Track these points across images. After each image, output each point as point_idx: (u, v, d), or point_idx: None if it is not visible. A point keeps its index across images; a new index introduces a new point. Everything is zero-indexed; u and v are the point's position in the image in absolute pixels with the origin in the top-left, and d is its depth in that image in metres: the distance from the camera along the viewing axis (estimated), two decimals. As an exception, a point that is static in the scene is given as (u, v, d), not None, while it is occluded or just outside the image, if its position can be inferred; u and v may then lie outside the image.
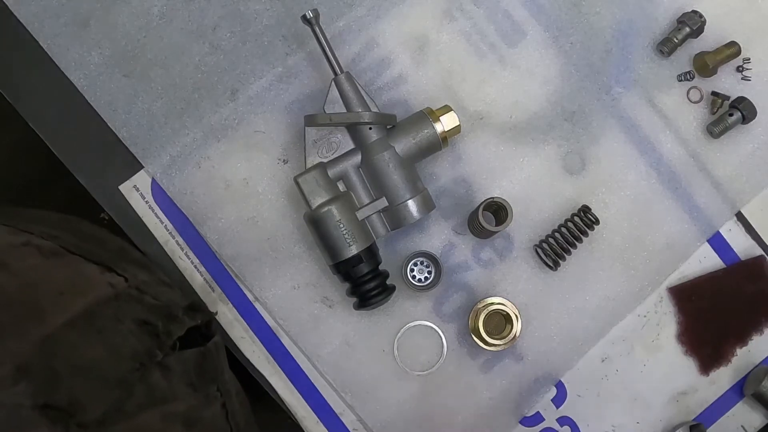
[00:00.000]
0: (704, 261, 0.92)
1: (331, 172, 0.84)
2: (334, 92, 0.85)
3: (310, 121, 0.85)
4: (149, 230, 0.90)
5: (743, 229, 0.93)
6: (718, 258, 0.93)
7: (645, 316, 0.92)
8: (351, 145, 0.85)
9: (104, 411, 0.63)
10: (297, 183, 0.83)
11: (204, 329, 0.80)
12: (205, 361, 0.76)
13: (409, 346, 0.90)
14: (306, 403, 0.90)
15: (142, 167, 0.90)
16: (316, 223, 0.83)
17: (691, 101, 0.93)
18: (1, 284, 0.66)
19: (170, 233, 0.90)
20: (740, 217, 0.93)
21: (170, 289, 0.80)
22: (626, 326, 0.92)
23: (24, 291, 0.67)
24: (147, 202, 0.90)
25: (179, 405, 0.71)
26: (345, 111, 0.84)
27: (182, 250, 0.90)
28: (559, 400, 0.91)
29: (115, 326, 0.69)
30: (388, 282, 0.86)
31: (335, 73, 0.85)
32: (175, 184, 0.90)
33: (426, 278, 0.90)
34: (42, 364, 0.62)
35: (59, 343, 0.64)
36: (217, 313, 0.89)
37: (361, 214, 0.84)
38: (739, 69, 0.93)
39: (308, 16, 0.83)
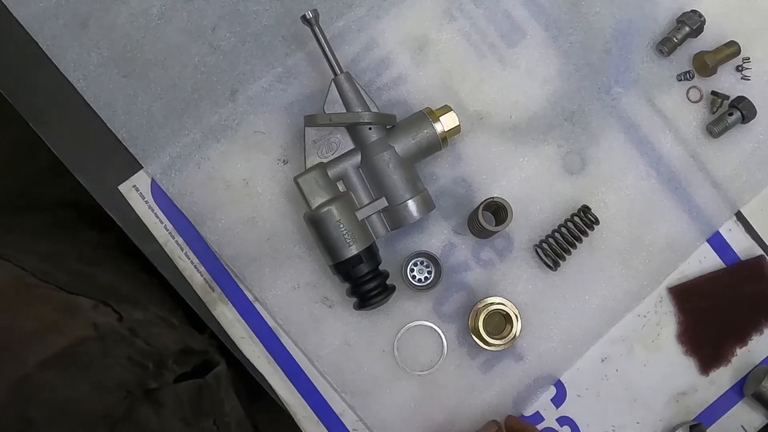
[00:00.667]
0: (704, 261, 0.92)
1: (331, 173, 0.84)
2: (334, 92, 0.85)
3: (310, 121, 0.85)
4: (149, 230, 0.90)
5: (743, 229, 0.93)
6: (718, 258, 0.93)
7: (645, 316, 0.92)
8: (351, 146, 0.85)
9: None
10: (297, 183, 0.83)
11: (204, 362, 0.78)
12: (201, 395, 0.75)
13: (409, 346, 0.90)
14: (306, 403, 0.90)
15: (142, 167, 0.90)
16: (316, 223, 0.83)
17: (690, 101, 0.93)
18: None
19: (170, 233, 0.90)
20: (740, 216, 0.93)
21: (164, 329, 0.77)
22: (626, 326, 0.92)
23: (1, 330, 0.64)
24: (146, 202, 0.90)
25: None
26: (345, 111, 0.84)
27: (182, 250, 0.90)
28: (558, 400, 0.91)
29: (101, 361, 0.66)
30: (388, 282, 0.86)
31: (335, 74, 0.84)
32: (175, 185, 0.90)
33: (426, 278, 0.90)
34: (16, 410, 0.59)
35: (35, 385, 0.61)
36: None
37: (361, 214, 0.84)
38: (739, 68, 0.93)
39: (308, 17, 0.83)
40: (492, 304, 0.88)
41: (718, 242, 0.93)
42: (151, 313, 0.77)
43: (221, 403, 0.76)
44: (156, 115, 0.91)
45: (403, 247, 0.91)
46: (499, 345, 0.88)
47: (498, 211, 0.88)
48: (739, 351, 0.92)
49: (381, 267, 0.85)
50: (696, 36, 0.92)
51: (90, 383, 0.65)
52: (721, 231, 0.93)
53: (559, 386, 0.91)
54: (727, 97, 0.92)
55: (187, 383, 0.73)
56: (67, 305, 0.72)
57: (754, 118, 0.91)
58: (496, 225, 0.88)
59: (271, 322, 0.90)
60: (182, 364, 0.75)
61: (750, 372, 0.92)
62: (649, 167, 0.92)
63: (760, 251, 0.93)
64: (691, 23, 0.90)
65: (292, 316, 0.90)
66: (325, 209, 0.82)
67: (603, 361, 0.91)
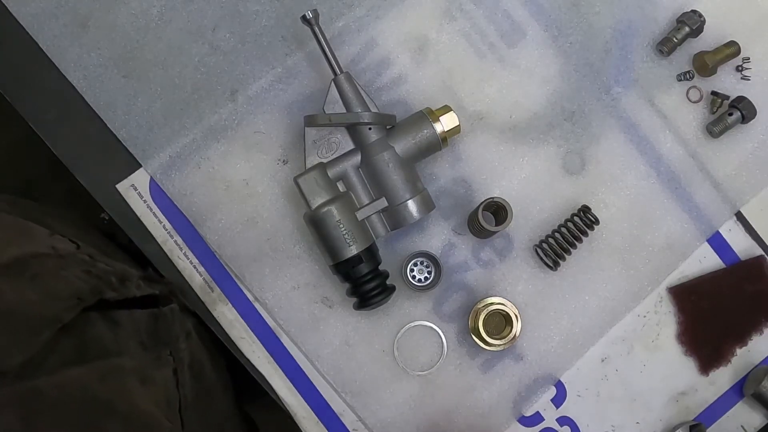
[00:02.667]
0: (704, 261, 0.92)
1: (330, 173, 0.84)
2: (334, 92, 0.85)
3: (310, 121, 0.85)
4: (148, 230, 0.90)
5: (743, 228, 0.93)
6: (718, 258, 0.93)
7: (645, 316, 0.92)
8: (351, 146, 0.85)
9: (22, 362, 0.61)
10: (297, 183, 0.83)
11: (165, 300, 0.79)
12: (157, 323, 0.75)
13: (409, 346, 0.90)
14: (306, 403, 0.90)
15: (141, 167, 0.90)
16: (316, 224, 0.83)
17: (690, 101, 0.93)
18: None
19: (168, 233, 0.90)
20: (740, 216, 0.93)
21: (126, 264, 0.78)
22: (626, 326, 0.92)
23: None
24: (145, 201, 0.90)
25: (127, 360, 0.69)
26: (345, 111, 0.84)
27: (181, 250, 0.90)
28: (558, 400, 0.91)
29: (54, 273, 0.67)
30: (388, 282, 0.86)
31: (335, 74, 0.84)
32: (175, 185, 0.90)
33: (426, 278, 0.90)
34: None
35: None
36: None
37: (360, 215, 0.84)
38: (739, 68, 0.93)
39: (308, 17, 0.83)
40: (492, 304, 0.88)
41: (718, 242, 0.93)
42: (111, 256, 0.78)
43: (177, 339, 0.77)
44: (156, 115, 0.91)
45: (403, 247, 0.91)
46: (499, 345, 0.88)
47: (498, 211, 0.88)
48: (739, 351, 0.92)
49: (381, 267, 0.85)
50: (696, 36, 0.92)
51: (41, 291, 0.65)
52: (721, 231, 0.93)
53: (559, 386, 0.91)
54: (727, 97, 0.92)
55: (144, 311, 0.74)
56: (23, 228, 0.72)
57: (754, 118, 0.91)
58: (496, 225, 0.88)
59: (271, 322, 0.90)
60: (147, 286, 0.75)
61: (750, 372, 0.92)
62: (649, 167, 0.92)
63: (760, 251, 0.93)
64: (691, 23, 0.90)
65: (292, 316, 0.90)
66: (325, 209, 0.82)
67: (603, 361, 0.91)
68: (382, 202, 0.84)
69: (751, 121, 0.91)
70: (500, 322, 0.89)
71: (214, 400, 0.88)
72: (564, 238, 0.89)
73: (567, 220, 0.89)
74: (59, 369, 0.64)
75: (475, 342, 0.88)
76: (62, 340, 0.65)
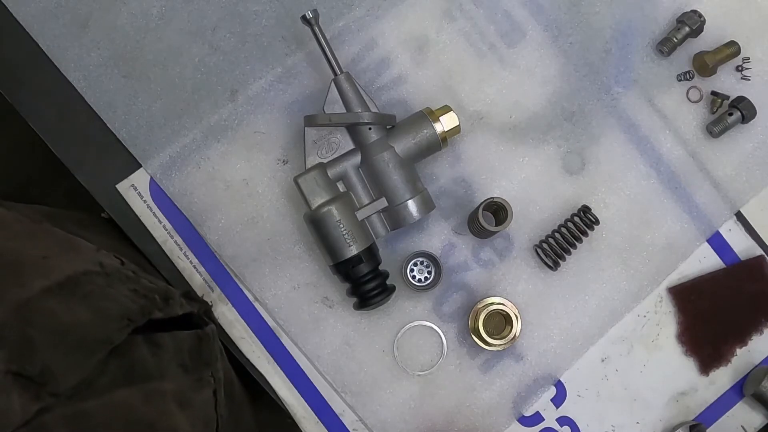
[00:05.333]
0: (704, 261, 0.92)
1: (330, 173, 0.84)
2: (334, 92, 0.85)
3: (310, 121, 0.85)
4: (147, 230, 0.90)
5: (743, 229, 0.93)
6: (718, 258, 0.93)
7: (645, 316, 0.92)
8: (351, 146, 0.85)
9: (75, 384, 0.61)
10: (297, 183, 0.83)
11: (199, 319, 0.79)
12: (201, 345, 0.76)
13: (409, 346, 0.90)
14: (306, 403, 0.90)
15: (141, 167, 0.90)
16: (316, 224, 0.83)
17: (690, 101, 0.93)
18: None
19: (168, 233, 0.90)
20: (740, 216, 0.93)
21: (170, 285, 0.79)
22: (626, 326, 0.92)
23: (7, 254, 0.64)
24: (145, 201, 0.90)
25: (168, 384, 0.70)
26: (345, 111, 0.84)
27: (181, 250, 0.90)
28: (558, 400, 0.91)
29: (104, 292, 0.67)
30: (388, 282, 0.86)
31: (335, 74, 0.84)
32: (175, 185, 0.90)
33: (426, 278, 0.90)
34: (17, 329, 0.60)
35: (37, 309, 0.62)
36: (212, 304, 0.89)
37: (361, 215, 0.84)
38: (739, 68, 0.93)
39: (308, 17, 0.83)
40: (492, 304, 0.88)
41: (718, 242, 0.93)
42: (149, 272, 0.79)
43: (216, 359, 0.77)
44: (156, 115, 0.91)
45: (403, 247, 0.91)
46: (499, 345, 0.88)
47: (498, 211, 0.88)
48: (739, 351, 0.92)
49: (381, 267, 0.85)
50: (696, 36, 0.92)
51: (92, 310, 0.65)
52: (721, 231, 0.93)
53: (559, 386, 0.91)
54: (727, 97, 0.92)
55: (188, 333, 0.74)
56: (71, 243, 0.72)
57: (754, 118, 0.91)
58: (496, 225, 0.88)
59: (271, 322, 0.90)
60: (189, 304, 0.75)
61: (750, 372, 0.92)
62: (649, 167, 0.92)
63: (760, 251, 0.93)
64: (691, 23, 0.90)
65: (292, 316, 0.90)
66: (325, 209, 0.82)
67: (603, 361, 0.91)
68: (382, 202, 0.84)
69: (751, 121, 0.91)
70: (500, 322, 0.89)
71: (244, 415, 0.89)
72: (564, 238, 0.89)
73: (567, 220, 0.89)
74: (108, 391, 0.64)
75: (475, 342, 0.88)
76: (111, 362, 0.65)
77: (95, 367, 0.63)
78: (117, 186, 0.90)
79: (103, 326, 0.65)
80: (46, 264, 0.66)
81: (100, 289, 0.67)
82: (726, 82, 0.93)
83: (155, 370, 0.69)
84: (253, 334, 0.90)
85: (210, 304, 0.88)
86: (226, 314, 0.90)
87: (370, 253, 0.83)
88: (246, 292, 0.90)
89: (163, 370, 0.70)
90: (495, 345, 0.88)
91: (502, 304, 0.88)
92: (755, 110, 0.90)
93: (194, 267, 0.90)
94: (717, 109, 0.92)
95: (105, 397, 0.63)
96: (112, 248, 0.78)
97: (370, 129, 0.84)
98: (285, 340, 0.90)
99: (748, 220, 0.93)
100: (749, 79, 0.93)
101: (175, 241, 0.90)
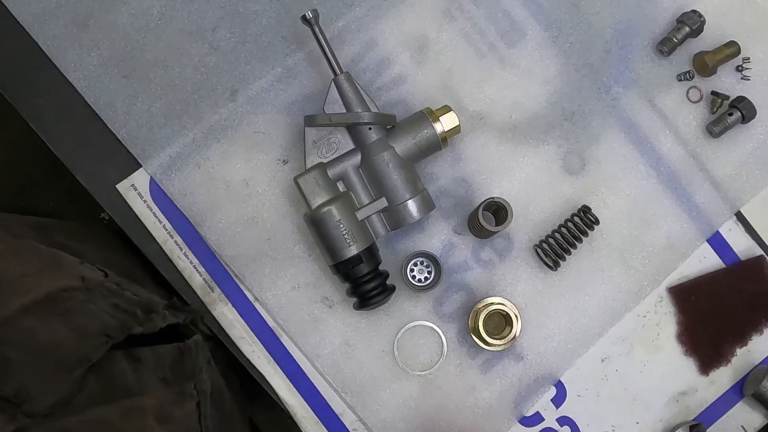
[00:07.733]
0: (704, 261, 0.92)
1: (331, 173, 0.84)
2: (334, 92, 0.85)
3: (310, 121, 0.85)
4: (147, 230, 0.90)
5: (743, 228, 0.93)
6: (718, 258, 0.93)
7: (645, 316, 0.92)
8: (351, 146, 0.85)
9: (52, 403, 0.61)
10: (297, 183, 0.83)
11: (185, 329, 0.79)
12: (183, 357, 0.75)
13: (409, 346, 0.90)
14: (306, 403, 0.90)
15: (141, 167, 0.90)
16: (316, 224, 0.83)
17: (690, 101, 0.93)
18: None
19: (168, 233, 0.90)
20: (740, 216, 0.93)
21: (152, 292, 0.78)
22: (626, 326, 0.92)
23: None
24: (145, 201, 0.90)
25: (147, 399, 0.70)
26: (345, 111, 0.84)
27: (181, 250, 0.90)
28: (558, 400, 0.91)
29: (84, 308, 0.67)
30: (388, 282, 0.86)
31: (335, 74, 0.84)
32: (175, 185, 0.90)
33: (426, 278, 0.90)
34: None
35: (14, 328, 0.62)
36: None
37: (361, 214, 0.84)
38: (739, 68, 0.93)
39: (308, 17, 0.83)
40: (492, 304, 0.88)
41: (718, 242, 0.93)
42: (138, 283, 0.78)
43: (201, 371, 0.77)
44: (156, 115, 0.91)
45: (403, 247, 0.91)
46: (499, 345, 0.88)
47: (498, 211, 0.88)
48: (739, 351, 0.92)
49: (381, 267, 0.85)
50: (696, 36, 0.92)
51: (71, 328, 0.65)
52: (721, 231, 0.93)
53: (559, 386, 0.91)
54: (727, 97, 0.92)
55: (169, 346, 0.74)
56: (53, 258, 0.72)
57: (754, 118, 0.91)
58: (496, 225, 0.87)
59: (271, 322, 0.90)
60: (173, 315, 0.75)
61: (750, 372, 0.92)
62: (649, 167, 0.92)
63: (760, 251, 0.93)
64: (691, 23, 0.90)
65: (292, 316, 0.90)
66: (325, 209, 0.82)
67: (603, 361, 0.91)
68: (382, 202, 0.84)
69: (751, 121, 0.91)
70: (500, 322, 0.89)
71: (235, 425, 0.89)
72: (564, 238, 0.89)
73: (567, 220, 0.89)
74: (86, 408, 0.64)
75: (475, 342, 0.88)
76: (89, 378, 0.65)
77: (73, 385, 0.63)
78: (117, 186, 0.90)
79: (81, 344, 0.65)
80: (25, 282, 0.65)
81: (80, 305, 0.67)
82: (726, 82, 0.93)
83: (135, 386, 0.69)
84: (253, 334, 0.90)
85: (198, 312, 0.88)
86: (226, 314, 0.90)
87: (370, 253, 0.83)
88: (246, 292, 0.90)
89: (143, 384, 0.69)
90: (495, 345, 0.88)
91: (502, 304, 0.88)
92: (755, 110, 0.90)
93: (194, 267, 0.90)
94: (717, 109, 0.92)
95: (83, 415, 0.63)
96: (105, 255, 0.78)
97: (370, 129, 0.84)
98: (285, 340, 0.90)
99: (748, 220, 0.93)
100: (749, 79, 0.93)
101: (175, 241, 0.90)
